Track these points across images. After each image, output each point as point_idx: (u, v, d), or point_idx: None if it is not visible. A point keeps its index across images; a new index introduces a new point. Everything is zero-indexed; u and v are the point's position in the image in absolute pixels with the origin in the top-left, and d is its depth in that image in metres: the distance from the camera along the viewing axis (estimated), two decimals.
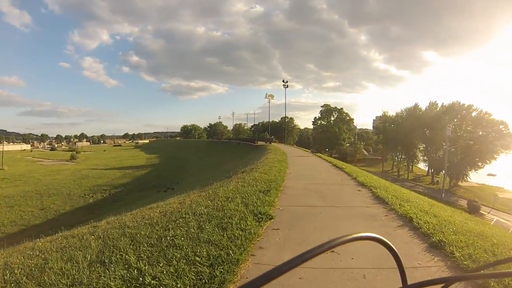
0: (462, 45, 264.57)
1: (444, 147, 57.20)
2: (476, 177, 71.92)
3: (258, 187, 10.52)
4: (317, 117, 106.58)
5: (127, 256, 4.95)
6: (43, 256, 5.52)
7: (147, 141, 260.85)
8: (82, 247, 5.66)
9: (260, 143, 66.48)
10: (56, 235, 7.52)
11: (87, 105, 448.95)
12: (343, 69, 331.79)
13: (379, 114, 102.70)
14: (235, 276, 4.41)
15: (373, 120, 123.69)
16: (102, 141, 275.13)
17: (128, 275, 4.34)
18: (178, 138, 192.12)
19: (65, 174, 63.63)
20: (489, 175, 75.66)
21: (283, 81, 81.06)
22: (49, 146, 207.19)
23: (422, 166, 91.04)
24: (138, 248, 5.30)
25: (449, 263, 4.80)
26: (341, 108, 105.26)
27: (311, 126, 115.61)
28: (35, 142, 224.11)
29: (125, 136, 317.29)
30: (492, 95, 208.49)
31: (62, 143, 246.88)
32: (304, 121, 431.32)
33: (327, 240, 0.76)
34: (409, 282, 1.03)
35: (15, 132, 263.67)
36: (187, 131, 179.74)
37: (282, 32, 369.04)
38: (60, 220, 33.13)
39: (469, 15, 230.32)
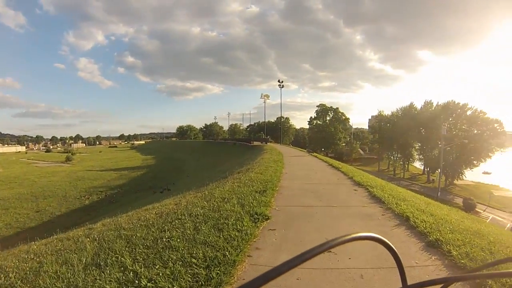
0: (456, 44, 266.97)
1: (440, 146, 57.38)
2: (471, 176, 72.19)
3: (254, 188, 10.49)
4: (313, 117, 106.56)
5: (122, 258, 4.91)
6: (38, 259, 5.47)
7: (142, 142, 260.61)
8: (77, 250, 5.61)
9: (256, 143, 66.43)
10: (51, 237, 7.48)
11: (82, 106, 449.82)
12: (338, 69, 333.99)
13: (375, 113, 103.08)
14: (232, 277, 4.38)
15: (369, 119, 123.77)
16: (97, 142, 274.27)
17: (123, 277, 4.30)
18: (174, 139, 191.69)
19: (60, 176, 63.38)
20: (484, 173, 75.91)
21: (279, 81, 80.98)
22: (44, 147, 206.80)
23: (418, 165, 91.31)
24: (133, 250, 5.27)
25: (446, 261, 4.80)
26: (337, 108, 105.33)
27: (307, 126, 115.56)
28: (30, 143, 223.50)
29: (121, 137, 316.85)
30: (487, 94, 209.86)
31: (57, 144, 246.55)
32: (300, 121, 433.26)
33: (324, 240, 0.75)
34: (408, 281, 1.01)
35: (9, 134, 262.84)
36: (183, 132, 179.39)
37: (278, 32, 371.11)
38: (56, 222, 33.04)
39: (463, 15, 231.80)
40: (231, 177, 14.70)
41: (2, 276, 4.84)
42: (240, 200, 8.61)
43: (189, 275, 4.31)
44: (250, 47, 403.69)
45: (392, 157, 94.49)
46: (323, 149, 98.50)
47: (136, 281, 4.19)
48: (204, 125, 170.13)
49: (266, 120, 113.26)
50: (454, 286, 1.20)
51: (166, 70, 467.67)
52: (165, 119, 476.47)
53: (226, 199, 8.76)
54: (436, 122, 67.08)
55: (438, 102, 79.76)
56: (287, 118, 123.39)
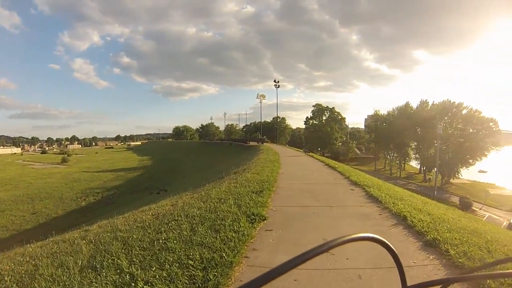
0: (452, 44, 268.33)
1: (436, 145, 57.58)
2: (467, 174, 72.51)
3: (250, 188, 10.46)
4: (309, 117, 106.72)
5: (119, 260, 4.88)
6: (33, 262, 5.44)
7: (139, 142, 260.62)
8: (73, 252, 5.58)
9: (252, 143, 66.35)
10: (47, 240, 7.46)
11: (78, 107, 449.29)
12: (334, 69, 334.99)
13: (371, 113, 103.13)
14: (229, 279, 4.35)
15: (365, 119, 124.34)
16: (93, 144, 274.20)
17: (120, 280, 4.27)
18: (170, 140, 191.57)
19: (56, 178, 63.21)
20: (480, 171, 76.27)
21: (275, 81, 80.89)
22: (40, 149, 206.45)
23: (414, 164, 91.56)
24: (130, 252, 5.23)
25: (444, 261, 4.79)
26: (333, 108, 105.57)
27: (303, 126, 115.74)
28: (25, 145, 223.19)
29: (117, 138, 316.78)
30: (483, 93, 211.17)
31: (53, 146, 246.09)
32: (296, 121, 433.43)
33: (322, 240, 0.75)
34: (407, 281, 1.01)
35: (5, 136, 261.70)
36: (179, 132, 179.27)
37: (273, 33, 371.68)
38: (52, 224, 32.96)
39: (458, 15, 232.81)
40: (227, 177, 14.69)
41: None
42: (236, 200, 8.58)
43: (186, 277, 4.28)
44: (246, 48, 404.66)
45: (388, 157, 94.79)
46: (319, 149, 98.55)
47: (133, 284, 4.15)
48: (200, 126, 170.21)
49: (262, 120, 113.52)
50: (454, 286, 1.18)
51: (162, 70, 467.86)
52: (161, 120, 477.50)
53: (222, 200, 8.73)
54: (432, 122, 67.26)
55: (433, 102, 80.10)
56: (283, 118, 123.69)
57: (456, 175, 70.73)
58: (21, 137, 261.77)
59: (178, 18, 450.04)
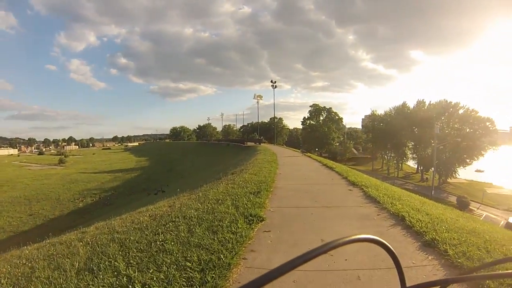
0: (449, 44, 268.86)
1: (433, 144, 57.72)
2: (464, 174, 72.71)
3: (248, 189, 10.43)
4: (306, 117, 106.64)
5: (116, 262, 4.85)
6: (30, 264, 5.41)
7: (136, 143, 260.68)
8: (70, 254, 5.55)
9: (249, 144, 66.36)
10: (44, 242, 7.40)
11: (75, 108, 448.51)
12: (331, 69, 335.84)
13: (368, 113, 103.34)
14: (227, 281, 4.32)
15: (362, 119, 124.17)
16: (91, 145, 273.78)
17: (117, 282, 4.24)
18: (167, 140, 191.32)
19: (53, 179, 63.10)
20: (477, 171, 76.47)
21: (272, 81, 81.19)
22: (36, 150, 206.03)
23: (412, 163, 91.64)
24: (127, 254, 5.20)
25: (443, 261, 4.77)
26: (330, 108, 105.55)
27: (301, 126, 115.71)
28: (22, 146, 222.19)
29: (114, 139, 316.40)
30: (480, 93, 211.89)
31: (50, 147, 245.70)
32: (293, 121, 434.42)
33: (320, 241, 0.75)
34: (406, 282, 1.03)
35: (1, 137, 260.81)
36: (177, 133, 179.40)
37: (270, 33, 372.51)
38: (50, 225, 32.96)
39: (456, 15, 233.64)
40: (225, 178, 14.65)
41: None
42: (234, 201, 8.56)
43: (183, 279, 4.25)
44: (243, 48, 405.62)
45: (385, 156, 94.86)
46: (317, 149, 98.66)
47: (130, 286, 4.13)
48: (197, 126, 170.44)
49: (260, 121, 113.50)
50: (453, 286, 1.17)
51: (159, 71, 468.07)
52: (159, 121, 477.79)
53: (220, 201, 8.71)
54: (429, 121, 67.40)
55: (430, 102, 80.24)
56: (280, 119, 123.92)
57: (454, 175, 70.92)
58: (17, 138, 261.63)
59: (175, 19, 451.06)
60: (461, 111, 73.10)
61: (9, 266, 5.45)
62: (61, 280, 4.49)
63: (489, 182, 68.39)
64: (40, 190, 51.29)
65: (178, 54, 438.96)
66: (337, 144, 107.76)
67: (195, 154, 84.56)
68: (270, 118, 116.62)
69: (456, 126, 73.05)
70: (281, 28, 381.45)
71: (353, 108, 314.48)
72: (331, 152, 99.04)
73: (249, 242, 5.79)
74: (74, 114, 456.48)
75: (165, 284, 4.15)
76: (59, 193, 49.38)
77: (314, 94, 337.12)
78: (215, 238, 5.71)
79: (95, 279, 4.40)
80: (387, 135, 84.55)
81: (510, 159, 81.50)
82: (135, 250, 5.32)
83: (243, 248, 5.45)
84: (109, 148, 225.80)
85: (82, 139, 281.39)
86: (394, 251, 0.96)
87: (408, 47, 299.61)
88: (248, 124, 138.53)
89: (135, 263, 4.82)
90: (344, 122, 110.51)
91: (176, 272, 4.43)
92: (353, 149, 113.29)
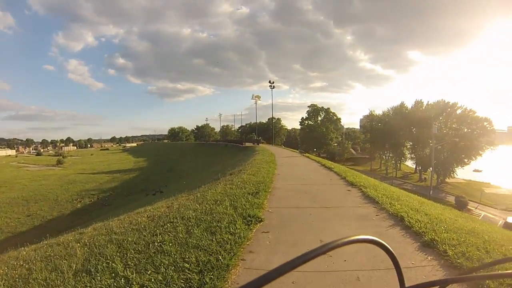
0: (447, 44, 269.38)
1: (431, 144, 57.86)
2: (462, 173, 72.93)
3: (246, 189, 10.42)
4: (304, 117, 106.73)
5: (113, 264, 4.82)
6: (27, 266, 5.37)
7: (134, 144, 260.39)
8: (68, 256, 5.51)
9: (247, 144, 66.32)
10: (41, 243, 7.36)
11: (73, 108, 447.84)
12: (329, 69, 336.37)
13: (366, 113, 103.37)
14: (226, 282, 4.30)
15: (360, 119, 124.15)
16: (89, 145, 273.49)
17: (115, 284, 4.22)
18: (165, 141, 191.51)
19: (51, 180, 62.97)
20: (475, 171, 76.80)
21: (270, 81, 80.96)
22: (34, 151, 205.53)
23: (410, 163, 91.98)
24: (125, 255, 5.18)
25: (442, 261, 4.76)
26: (328, 108, 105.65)
27: (299, 127, 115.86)
28: (20, 147, 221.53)
29: (112, 139, 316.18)
30: (480, 93, 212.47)
31: (48, 147, 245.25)
32: (292, 121, 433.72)
33: (319, 242, 0.74)
34: (405, 283, 1.03)
35: None
36: (175, 134, 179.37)
37: (268, 33, 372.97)
38: (48, 226, 32.86)
39: (454, 15, 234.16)
40: (223, 178, 14.63)
41: None
42: (232, 202, 8.54)
43: (181, 281, 4.23)
44: (241, 48, 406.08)
45: (384, 157, 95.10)
46: (315, 150, 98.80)
47: None
48: (195, 127, 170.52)
49: (258, 121, 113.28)
50: (452, 287, 1.17)
51: (157, 71, 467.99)
52: (157, 121, 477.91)
53: (218, 202, 8.69)
54: (427, 121, 67.62)
55: (428, 102, 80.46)
56: (278, 119, 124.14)
57: (452, 175, 71.14)
58: (15, 139, 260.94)
59: (173, 19, 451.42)
60: (459, 111, 73.41)
61: (6, 268, 5.41)
62: (59, 282, 4.46)
63: (487, 182, 68.74)
64: (38, 190, 51.19)
65: (176, 54, 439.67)
66: (335, 144, 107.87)
67: (193, 155, 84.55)
68: (268, 119, 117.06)
69: (454, 126, 73.33)
70: (279, 28, 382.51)
71: (351, 108, 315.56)
72: (329, 153, 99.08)
73: (247, 243, 5.77)
74: (72, 114, 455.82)
75: (163, 286, 4.13)
76: (57, 193, 49.28)
77: (312, 95, 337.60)
78: (213, 239, 5.69)
79: (93, 280, 4.37)
80: (385, 135, 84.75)
81: (508, 159, 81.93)
82: (133, 251, 5.29)
83: (242, 249, 5.43)
84: (107, 149, 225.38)
85: (80, 140, 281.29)
86: (393, 252, 0.96)
87: (406, 48, 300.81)
88: (246, 124, 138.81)
89: (133, 264, 4.79)
90: (342, 122, 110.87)
91: (174, 273, 4.41)
92: (351, 149, 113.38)
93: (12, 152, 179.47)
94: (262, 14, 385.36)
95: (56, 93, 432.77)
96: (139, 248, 5.42)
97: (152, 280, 4.25)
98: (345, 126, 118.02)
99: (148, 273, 4.46)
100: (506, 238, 6.39)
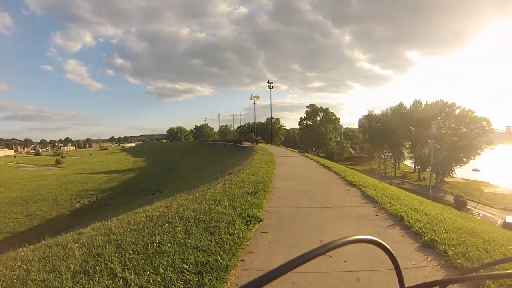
0: (446, 44, 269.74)
1: (430, 144, 57.93)
2: (461, 173, 73.08)
3: (245, 189, 10.40)
4: (303, 117, 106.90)
5: (112, 265, 4.79)
6: (25, 266, 5.33)
7: (133, 144, 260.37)
8: (66, 256, 5.48)
9: (246, 144, 66.28)
10: (40, 243, 7.32)
11: (71, 108, 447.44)
12: (328, 69, 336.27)
13: (365, 113, 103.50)
14: (225, 283, 4.28)
15: (359, 119, 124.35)
16: (87, 145, 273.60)
17: (113, 285, 4.19)
18: (164, 141, 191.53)
19: (50, 180, 62.96)
20: (473, 170, 76.87)
21: (268, 82, 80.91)
22: (33, 151, 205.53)
23: (409, 163, 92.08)
24: (123, 256, 5.14)
25: (442, 262, 4.74)
26: (327, 108, 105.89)
27: (297, 126, 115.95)
28: (18, 147, 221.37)
29: (111, 139, 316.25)
30: (479, 93, 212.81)
31: (47, 147, 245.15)
32: (290, 121, 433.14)
33: (319, 242, 0.73)
34: (405, 283, 1.03)
35: None
36: (174, 134, 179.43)
37: (267, 33, 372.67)
38: (46, 226, 32.88)
39: (451, 15, 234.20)
40: (222, 178, 14.61)
41: None
42: (231, 202, 8.51)
43: (180, 282, 4.20)
44: (239, 48, 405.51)
45: (383, 156, 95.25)
46: (314, 149, 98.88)
47: None
48: (194, 127, 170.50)
49: (257, 121, 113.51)
50: (451, 287, 1.16)
51: (156, 71, 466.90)
52: (156, 121, 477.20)
53: (217, 201, 8.66)
54: (426, 121, 67.87)
55: (427, 102, 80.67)
56: (277, 119, 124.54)
57: (450, 174, 71.29)
58: (14, 139, 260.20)
59: (171, 19, 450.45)
60: (457, 111, 73.74)
61: (4, 269, 5.38)
62: (57, 283, 4.42)
63: (486, 181, 69.01)
64: (36, 191, 51.19)
65: (175, 54, 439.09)
66: (334, 144, 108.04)
67: (192, 155, 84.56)
68: (267, 119, 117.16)
69: (452, 125, 73.59)
70: (278, 28, 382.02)
71: (350, 108, 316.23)
72: (328, 152, 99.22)
73: (246, 243, 5.74)
74: (71, 114, 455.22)
75: (162, 287, 4.10)
76: (56, 193, 49.30)
77: (311, 95, 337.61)
78: (213, 240, 5.66)
79: (91, 282, 4.34)
80: (384, 135, 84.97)
81: (507, 158, 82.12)
82: (131, 252, 5.26)
83: (241, 250, 5.41)
84: (106, 149, 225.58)
85: (79, 140, 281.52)
86: (393, 252, 0.96)
87: (405, 48, 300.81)
88: (245, 124, 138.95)
89: (131, 265, 4.76)
90: (341, 122, 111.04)
91: (173, 274, 4.38)
92: (350, 149, 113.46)
93: (10, 152, 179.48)
94: (260, 14, 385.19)
95: (55, 93, 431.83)
96: (138, 249, 5.39)
97: (151, 281, 4.22)
98: (344, 126, 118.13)
99: (147, 274, 4.43)
100: (506, 238, 6.38)
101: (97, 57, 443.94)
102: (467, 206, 45.95)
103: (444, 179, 71.16)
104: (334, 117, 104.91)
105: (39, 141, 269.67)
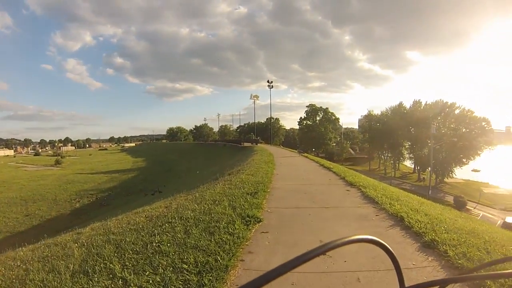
0: (446, 44, 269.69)
1: (429, 144, 57.95)
2: (461, 173, 73.13)
3: (245, 189, 10.39)
4: (303, 117, 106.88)
5: (111, 265, 4.78)
6: (24, 266, 5.31)
7: (133, 144, 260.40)
8: (65, 256, 5.46)
9: (246, 144, 66.25)
10: (39, 243, 7.30)
11: (71, 108, 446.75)
12: (328, 69, 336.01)
13: (365, 113, 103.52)
14: (225, 284, 4.26)
15: (359, 119, 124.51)
16: (87, 145, 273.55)
17: (112, 285, 4.17)
18: (164, 141, 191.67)
19: (50, 180, 62.95)
20: (473, 170, 76.91)
21: (268, 81, 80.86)
22: (33, 151, 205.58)
23: (409, 163, 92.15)
24: (123, 256, 5.13)
25: (443, 262, 4.73)
26: (327, 108, 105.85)
27: (297, 126, 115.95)
28: (18, 147, 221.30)
29: (111, 139, 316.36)
30: (479, 93, 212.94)
31: (47, 147, 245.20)
32: (290, 121, 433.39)
33: (319, 242, 0.73)
34: (406, 283, 1.02)
35: None
36: (173, 134, 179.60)
37: (267, 33, 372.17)
38: (46, 226, 32.90)
39: (451, 15, 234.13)
40: (222, 178, 14.61)
41: None
42: (231, 202, 8.51)
43: (180, 282, 4.18)
44: (239, 48, 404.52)
45: (382, 156, 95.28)
46: (313, 149, 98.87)
47: None
48: (194, 127, 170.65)
49: (256, 121, 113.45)
50: (452, 287, 1.15)
51: (156, 71, 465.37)
52: (155, 121, 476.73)
53: (217, 202, 8.66)
54: (426, 121, 67.96)
55: (426, 102, 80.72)
56: (277, 119, 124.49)
57: (450, 175, 71.32)
58: (13, 139, 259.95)
59: (170, 19, 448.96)
60: (457, 111, 73.82)
61: (3, 268, 5.36)
62: (56, 283, 4.41)
63: (486, 181, 69.03)
64: (36, 190, 51.20)
65: (175, 54, 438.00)
66: (334, 144, 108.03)
67: (192, 155, 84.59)
68: (267, 118, 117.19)
69: (452, 126, 73.64)
70: (278, 28, 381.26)
71: (350, 108, 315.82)
72: (328, 152, 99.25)
73: (246, 243, 5.73)
74: (71, 114, 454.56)
75: (161, 287, 4.09)
76: (56, 193, 49.31)
77: (310, 94, 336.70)
78: (212, 240, 5.65)
79: (90, 281, 4.32)
80: (384, 135, 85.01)
81: (506, 158, 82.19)
82: (130, 252, 5.25)
83: (241, 250, 5.40)
84: (106, 149, 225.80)
85: (78, 140, 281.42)
86: (393, 252, 0.96)
87: (405, 48, 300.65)
88: (244, 124, 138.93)
89: (130, 265, 4.75)
90: (341, 122, 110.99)
91: (173, 274, 4.37)
92: (350, 149, 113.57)
93: (10, 152, 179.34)
94: (260, 14, 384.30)
95: (55, 93, 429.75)
96: (137, 249, 5.38)
97: (150, 281, 4.21)
98: (343, 126, 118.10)
99: (146, 274, 4.42)
100: (506, 238, 6.37)
101: (97, 57, 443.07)
102: (467, 207, 46.01)
103: (444, 179, 71.20)
104: (334, 117, 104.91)
105: (39, 141, 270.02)
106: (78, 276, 4.55)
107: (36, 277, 4.69)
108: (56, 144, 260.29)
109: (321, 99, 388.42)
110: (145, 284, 4.15)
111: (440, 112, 74.28)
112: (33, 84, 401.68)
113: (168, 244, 5.46)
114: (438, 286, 1.04)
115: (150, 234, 6.08)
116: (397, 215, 7.20)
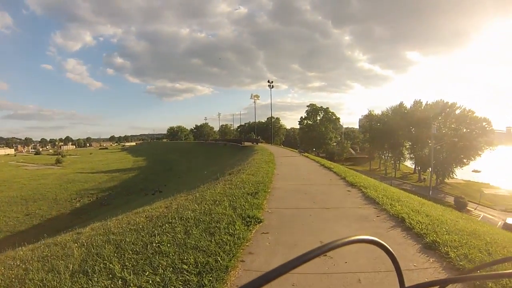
0: (446, 44, 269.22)
1: (430, 144, 57.96)
2: (461, 174, 73.06)
3: (245, 189, 10.37)
4: (303, 117, 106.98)
5: (111, 265, 4.77)
6: (24, 266, 5.30)
7: (133, 143, 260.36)
8: (65, 256, 5.45)
9: (246, 143, 66.28)
10: (39, 243, 7.30)
11: (71, 108, 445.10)
12: (328, 69, 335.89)
13: (365, 113, 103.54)
14: (225, 284, 4.25)
15: (359, 119, 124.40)
16: (88, 144, 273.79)
17: (112, 285, 4.16)
18: (164, 140, 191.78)
19: (50, 179, 62.98)
20: (474, 171, 76.88)
21: (268, 81, 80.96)
22: (33, 150, 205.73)
23: (409, 164, 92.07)
24: (122, 256, 5.12)
25: (444, 263, 4.72)
26: (327, 108, 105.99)
27: (298, 126, 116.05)
28: (19, 146, 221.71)
29: (111, 138, 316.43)
30: (479, 93, 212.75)
31: (47, 146, 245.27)
32: (291, 121, 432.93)
33: (319, 243, 0.72)
34: (406, 285, 1.03)
35: None
36: (174, 133, 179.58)
37: (266, 33, 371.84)
38: (46, 225, 32.94)
39: (451, 15, 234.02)
40: (222, 178, 14.60)
41: None
42: (231, 202, 8.49)
43: (180, 282, 4.17)
44: (239, 48, 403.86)
45: (383, 157, 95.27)
46: (314, 149, 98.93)
47: None
48: (194, 126, 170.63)
49: (257, 121, 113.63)
50: (452, 287, 1.15)
51: (156, 71, 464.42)
52: (156, 121, 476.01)
53: (217, 202, 8.64)
54: (426, 121, 67.90)
55: (427, 102, 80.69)
56: (277, 118, 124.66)
57: (451, 175, 71.22)
58: (14, 138, 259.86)
59: (171, 19, 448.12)
60: (457, 111, 73.73)
61: (3, 268, 5.36)
62: (55, 282, 4.40)
63: (486, 182, 68.95)
64: (37, 190, 51.22)
65: (175, 54, 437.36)
66: (335, 144, 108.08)
67: (192, 154, 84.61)
68: (267, 118, 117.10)
69: (453, 126, 73.56)
70: (278, 28, 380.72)
71: (350, 108, 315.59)
72: (328, 152, 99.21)
73: (247, 244, 5.72)
74: (71, 113, 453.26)
75: None
76: (56, 193, 49.33)
77: (311, 94, 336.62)
78: (212, 240, 5.64)
79: (90, 281, 4.31)
80: (384, 135, 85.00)
81: (507, 159, 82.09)
82: (130, 252, 5.24)
83: (241, 250, 5.38)
84: (106, 148, 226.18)
85: (79, 139, 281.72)
86: (393, 252, 0.96)
87: (405, 48, 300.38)
88: (245, 124, 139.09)
89: (130, 265, 4.74)
90: (341, 122, 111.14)
91: (173, 275, 4.35)
92: (350, 149, 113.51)
93: (11, 151, 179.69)
94: (260, 14, 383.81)
95: (55, 93, 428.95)
96: (137, 249, 5.36)
97: (150, 281, 4.20)
98: (344, 126, 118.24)
99: (146, 274, 4.40)
100: (507, 239, 6.37)
101: (97, 56, 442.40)
102: (468, 208, 45.99)
103: (445, 180, 71.13)
104: (334, 117, 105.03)
105: (39, 140, 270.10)
106: (77, 276, 4.54)
107: (36, 276, 4.68)
108: (57, 143, 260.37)
109: (321, 99, 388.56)
110: (144, 284, 4.14)
111: (440, 112, 74.24)
112: (33, 84, 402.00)
113: (168, 245, 5.45)
114: (438, 286, 1.04)
115: (150, 235, 6.07)
116: (398, 216, 7.18)
